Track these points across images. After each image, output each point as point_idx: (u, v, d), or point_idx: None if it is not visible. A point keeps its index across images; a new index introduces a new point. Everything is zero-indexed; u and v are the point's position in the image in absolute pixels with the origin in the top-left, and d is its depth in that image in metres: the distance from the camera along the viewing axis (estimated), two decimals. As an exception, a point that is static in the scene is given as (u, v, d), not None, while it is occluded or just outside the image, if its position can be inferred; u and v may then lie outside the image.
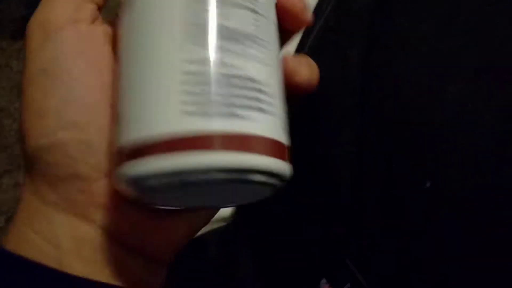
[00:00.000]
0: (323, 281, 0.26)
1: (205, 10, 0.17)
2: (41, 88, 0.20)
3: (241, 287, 0.31)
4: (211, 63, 0.17)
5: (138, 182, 0.17)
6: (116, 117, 0.19)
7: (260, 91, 0.17)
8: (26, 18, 0.22)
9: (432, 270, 0.22)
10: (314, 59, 0.22)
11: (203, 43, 0.17)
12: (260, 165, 0.17)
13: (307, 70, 0.22)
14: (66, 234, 0.20)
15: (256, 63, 0.18)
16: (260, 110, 0.17)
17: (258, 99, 0.17)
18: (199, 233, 0.23)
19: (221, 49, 0.17)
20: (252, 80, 0.17)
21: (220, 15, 0.17)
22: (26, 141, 0.20)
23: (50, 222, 0.20)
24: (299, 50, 0.34)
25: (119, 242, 0.20)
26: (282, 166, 0.18)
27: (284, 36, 0.21)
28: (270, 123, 0.18)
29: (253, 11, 0.18)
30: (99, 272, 0.20)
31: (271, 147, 0.17)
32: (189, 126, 0.16)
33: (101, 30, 0.21)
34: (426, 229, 0.22)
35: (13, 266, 0.19)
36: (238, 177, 0.17)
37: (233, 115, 0.17)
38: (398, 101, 0.26)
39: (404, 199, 0.24)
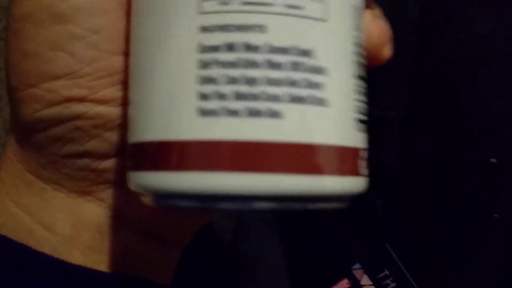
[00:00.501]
0: (357, 265, 0.24)
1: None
2: (48, 35, 0.15)
3: (265, 272, 0.29)
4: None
5: (161, 197, 0.13)
6: (132, 85, 0.15)
7: (317, 69, 0.13)
8: None
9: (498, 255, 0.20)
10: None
11: None
12: (322, 191, 0.13)
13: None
14: (64, 217, 0.17)
15: (304, 20, 0.13)
16: (319, 101, 0.13)
17: (315, 84, 0.13)
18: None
19: None
20: (304, 52, 0.13)
21: None
22: (22, 109, 0.16)
23: (44, 200, 0.17)
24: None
25: (129, 224, 0.17)
26: (352, 186, 0.13)
27: None
28: (336, 119, 0.13)
29: None
30: (102, 261, 0.17)
31: (339, 160, 0.13)
32: (226, 132, 0.12)
33: None
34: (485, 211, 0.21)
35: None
36: (292, 207, 0.13)
37: (277, 114, 0.12)
38: (460, 67, 0.23)
39: (465, 173, 0.22)
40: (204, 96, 0.12)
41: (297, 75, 0.13)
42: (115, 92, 0.16)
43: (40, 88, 0.15)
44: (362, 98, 0.14)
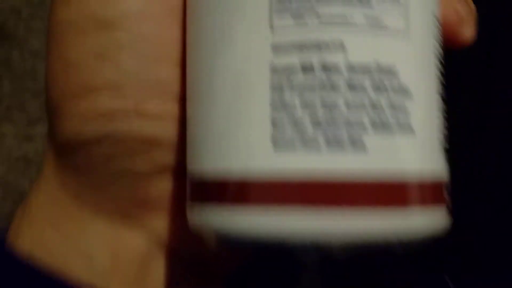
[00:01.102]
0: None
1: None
2: (92, 44, 0.14)
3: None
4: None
5: (224, 237, 0.12)
6: (191, 105, 0.13)
7: (402, 90, 0.11)
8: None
9: None
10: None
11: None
12: (412, 228, 0.11)
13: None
14: (104, 247, 0.15)
15: (385, 33, 0.11)
16: (405, 127, 0.11)
17: (400, 107, 0.11)
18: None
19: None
20: (387, 71, 0.11)
21: None
22: (63, 123, 0.15)
23: (83, 227, 0.15)
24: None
25: (171, 252, 0.16)
26: (442, 220, 0.12)
27: None
28: (423, 146, 0.12)
29: None
30: None
31: (429, 193, 0.12)
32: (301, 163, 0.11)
33: None
34: None
35: (32, 278, 0.15)
36: (374, 248, 0.11)
37: (360, 143, 0.11)
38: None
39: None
40: (277, 124, 0.11)
41: (380, 97, 0.11)
42: (163, 104, 0.14)
43: (83, 99, 0.14)
44: (443, 117, 0.13)
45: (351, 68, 0.11)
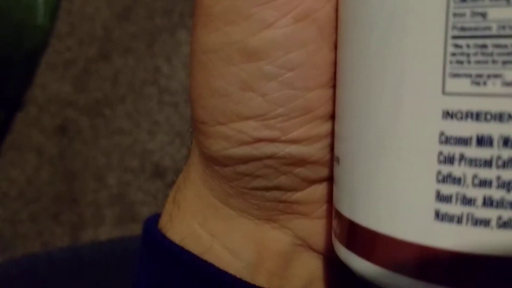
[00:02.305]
0: None
1: None
2: (238, 74, 0.14)
3: None
4: None
5: (371, 282, 0.12)
6: (346, 158, 0.13)
7: None
8: None
9: None
10: None
11: None
12: None
13: None
14: (250, 244, 0.16)
15: None
16: None
17: None
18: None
19: None
20: None
21: None
22: (210, 144, 0.15)
23: (230, 226, 0.16)
24: None
25: (314, 253, 0.17)
26: None
27: None
28: None
29: None
30: (286, 286, 0.17)
31: None
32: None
33: None
34: None
35: (185, 265, 0.16)
36: None
37: None
38: None
39: None
40: (443, 198, 0.11)
41: None
42: (309, 130, 0.14)
43: (229, 127, 0.14)
44: None
45: None
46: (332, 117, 0.14)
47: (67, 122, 0.76)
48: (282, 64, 0.14)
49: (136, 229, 0.69)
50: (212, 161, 0.16)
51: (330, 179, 0.15)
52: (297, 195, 0.16)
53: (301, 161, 0.15)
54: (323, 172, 0.15)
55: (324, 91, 0.14)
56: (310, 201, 0.16)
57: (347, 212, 0.13)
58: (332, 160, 0.15)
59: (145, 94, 0.76)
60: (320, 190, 0.16)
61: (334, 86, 0.14)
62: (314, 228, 0.16)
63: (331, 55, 0.14)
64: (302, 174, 0.15)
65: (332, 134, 0.14)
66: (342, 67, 0.13)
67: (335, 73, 0.14)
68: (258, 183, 0.15)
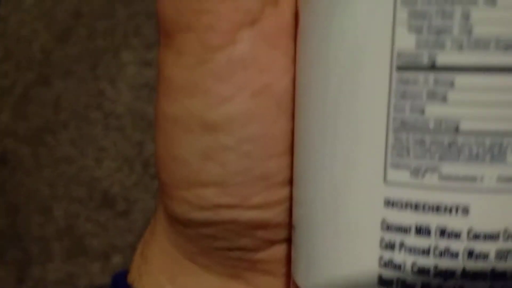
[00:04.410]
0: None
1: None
2: (197, 144, 0.14)
3: None
4: None
5: None
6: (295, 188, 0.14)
7: None
8: None
9: None
10: None
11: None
12: None
13: None
14: None
15: None
16: None
17: None
18: None
19: None
20: None
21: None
22: (173, 206, 0.16)
23: (197, 283, 0.17)
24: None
25: None
26: None
27: None
28: None
29: None
30: None
31: None
32: None
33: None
34: None
35: None
36: None
37: None
38: None
39: None
40: (385, 282, 0.11)
41: (504, 266, 0.11)
42: (268, 197, 0.15)
43: (190, 192, 0.15)
44: None
45: (474, 235, 0.10)
46: (291, 181, 0.15)
47: (7, 152, 0.74)
48: (240, 137, 0.14)
49: (86, 264, 0.68)
50: (176, 221, 0.16)
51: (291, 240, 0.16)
52: (260, 255, 0.16)
53: (262, 225, 0.15)
54: (285, 233, 0.16)
55: (282, 159, 0.15)
56: (273, 260, 0.16)
57: (299, 279, 0.13)
58: None
59: (89, 119, 0.75)
60: (282, 250, 0.16)
61: (292, 153, 0.15)
62: (280, 285, 0.17)
63: (289, 124, 0.14)
64: (264, 236, 0.16)
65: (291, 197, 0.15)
66: (298, 136, 0.13)
67: (293, 141, 0.14)
68: (221, 244, 0.16)
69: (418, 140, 0.10)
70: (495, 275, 0.11)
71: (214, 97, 0.14)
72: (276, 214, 0.15)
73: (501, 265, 0.11)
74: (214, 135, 0.14)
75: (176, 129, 0.15)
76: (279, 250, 0.16)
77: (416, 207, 0.11)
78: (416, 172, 0.11)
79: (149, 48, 0.78)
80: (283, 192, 0.15)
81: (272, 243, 0.16)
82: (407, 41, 0.10)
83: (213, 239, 0.16)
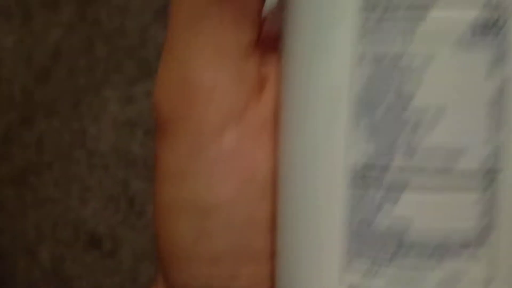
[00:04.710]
0: None
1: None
2: (191, 228, 0.16)
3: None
4: None
5: None
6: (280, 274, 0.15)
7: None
8: None
9: None
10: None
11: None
12: None
13: None
14: None
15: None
16: None
17: None
18: None
19: None
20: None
21: None
22: (172, 277, 0.17)
23: None
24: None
25: None
26: None
27: None
28: None
29: None
30: None
31: None
32: None
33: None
34: None
35: None
36: None
37: None
38: None
39: None
40: None
41: None
42: (258, 267, 0.16)
43: (184, 267, 0.17)
44: None
45: None
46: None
47: (-11, 195, 0.74)
48: (227, 222, 0.16)
49: (74, 307, 0.67)
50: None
51: None
52: None
53: None
54: None
55: (268, 235, 0.16)
56: None
57: None
58: None
59: (73, 158, 0.75)
60: None
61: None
62: None
63: (272, 206, 0.16)
64: None
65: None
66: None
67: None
68: None
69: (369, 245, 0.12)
70: None
71: (206, 183, 0.16)
72: (264, 283, 0.17)
73: None
74: (205, 220, 0.16)
75: (172, 212, 0.17)
76: None
77: None
78: (366, 274, 0.12)
79: (131, 84, 0.78)
80: (270, 263, 0.16)
81: None
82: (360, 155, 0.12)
83: None
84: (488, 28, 0.10)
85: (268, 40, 0.16)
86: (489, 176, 0.11)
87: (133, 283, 0.70)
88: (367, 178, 0.11)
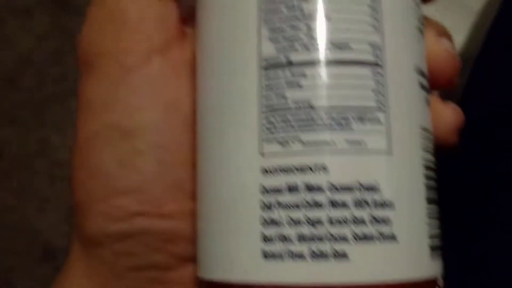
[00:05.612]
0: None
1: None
2: (115, 152, 0.17)
3: None
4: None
5: None
6: (197, 214, 0.16)
7: (383, 204, 0.13)
8: None
9: None
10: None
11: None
12: None
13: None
14: None
15: (366, 155, 0.13)
16: (388, 238, 0.13)
17: (382, 220, 0.13)
18: None
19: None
20: (368, 188, 0.13)
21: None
22: (89, 224, 0.17)
23: None
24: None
25: None
26: None
27: None
28: (408, 253, 0.13)
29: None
30: None
31: None
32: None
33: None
34: None
35: None
36: None
37: (343, 255, 0.13)
38: None
39: None
40: (267, 239, 0.13)
41: (362, 213, 0.13)
42: (181, 203, 0.17)
43: (108, 204, 0.17)
44: (435, 221, 0.15)
45: (334, 187, 0.13)
46: None
47: None
48: (152, 143, 0.17)
49: (21, 319, 0.65)
50: (91, 244, 0.18)
51: None
52: (172, 275, 0.18)
53: (174, 238, 0.17)
54: (194, 250, 0.17)
55: (191, 170, 0.17)
56: (184, 282, 0.18)
57: (201, 274, 0.15)
58: None
59: (33, 168, 0.75)
60: (192, 269, 0.18)
61: None
62: None
63: (193, 138, 0.17)
64: (175, 251, 0.17)
65: None
66: (197, 146, 0.16)
67: None
68: (135, 262, 0.17)
69: (283, 118, 0.14)
70: (354, 220, 0.13)
71: (131, 108, 0.17)
72: (186, 226, 0.17)
73: (359, 213, 0.13)
74: (130, 141, 0.17)
75: (97, 143, 0.17)
76: (189, 270, 0.18)
77: (286, 170, 0.13)
78: (284, 143, 0.13)
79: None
80: (193, 204, 0.17)
81: (182, 260, 0.17)
82: (269, 49, 0.14)
83: (127, 257, 0.17)
84: None
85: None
86: (375, 52, 0.14)
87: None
88: (274, 65, 0.14)
